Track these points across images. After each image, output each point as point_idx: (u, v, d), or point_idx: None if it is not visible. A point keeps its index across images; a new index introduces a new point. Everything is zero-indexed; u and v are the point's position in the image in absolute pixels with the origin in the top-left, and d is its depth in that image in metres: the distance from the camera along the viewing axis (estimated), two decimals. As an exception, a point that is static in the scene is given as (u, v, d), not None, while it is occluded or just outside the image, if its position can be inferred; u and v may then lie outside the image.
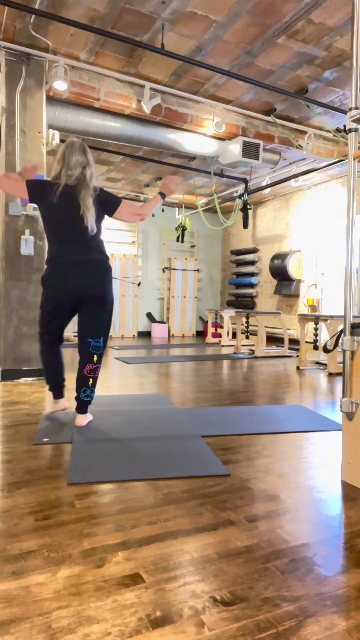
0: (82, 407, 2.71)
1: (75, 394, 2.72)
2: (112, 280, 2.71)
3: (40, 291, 4.26)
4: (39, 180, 2.68)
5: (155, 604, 1.15)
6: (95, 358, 2.65)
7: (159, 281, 10.16)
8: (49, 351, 2.80)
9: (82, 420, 2.70)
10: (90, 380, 2.67)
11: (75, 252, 2.61)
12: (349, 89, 4.84)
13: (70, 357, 5.60)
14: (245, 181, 7.49)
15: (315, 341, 5.37)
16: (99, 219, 2.69)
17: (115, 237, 9.49)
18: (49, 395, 3.58)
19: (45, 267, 2.73)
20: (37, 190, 2.63)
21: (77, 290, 2.61)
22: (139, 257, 9.79)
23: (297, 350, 7.27)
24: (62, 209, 2.60)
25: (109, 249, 9.37)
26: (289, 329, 8.27)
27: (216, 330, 9.19)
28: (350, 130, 1.95)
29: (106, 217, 2.77)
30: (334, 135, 5.74)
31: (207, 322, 10.01)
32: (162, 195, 2.81)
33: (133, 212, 2.71)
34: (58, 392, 2.90)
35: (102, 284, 2.62)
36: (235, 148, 5.42)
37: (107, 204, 2.70)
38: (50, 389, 2.90)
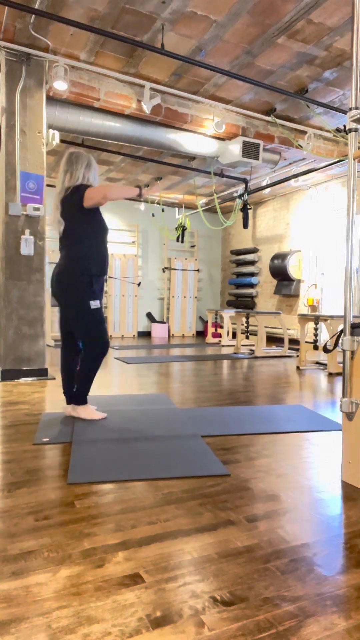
0: (73, 397, 2.87)
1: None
2: (78, 284, 2.72)
3: (40, 291, 4.27)
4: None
5: (155, 604, 1.15)
6: (83, 355, 2.84)
7: (159, 281, 10.16)
8: (61, 355, 2.97)
9: (72, 410, 2.85)
10: (78, 369, 2.85)
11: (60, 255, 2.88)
12: (349, 89, 4.84)
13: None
14: (245, 181, 7.49)
15: (315, 341, 5.37)
16: (74, 217, 2.73)
17: (115, 237, 9.49)
18: (49, 395, 3.58)
19: None
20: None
21: (52, 290, 2.86)
22: (139, 257, 9.79)
23: (297, 350, 7.27)
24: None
25: (108, 249, 9.34)
26: (289, 329, 8.27)
27: (216, 330, 9.19)
28: (350, 130, 1.95)
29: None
30: (334, 135, 5.74)
31: (207, 322, 10.02)
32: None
33: (96, 189, 2.68)
34: (67, 398, 2.98)
35: (61, 287, 2.77)
36: (235, 148, 5.42)
37: (77, 194, 2.70)
38: (64, 393, 3.00)
